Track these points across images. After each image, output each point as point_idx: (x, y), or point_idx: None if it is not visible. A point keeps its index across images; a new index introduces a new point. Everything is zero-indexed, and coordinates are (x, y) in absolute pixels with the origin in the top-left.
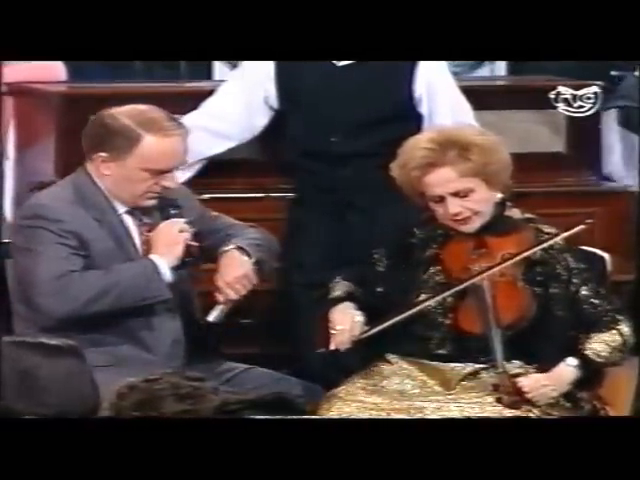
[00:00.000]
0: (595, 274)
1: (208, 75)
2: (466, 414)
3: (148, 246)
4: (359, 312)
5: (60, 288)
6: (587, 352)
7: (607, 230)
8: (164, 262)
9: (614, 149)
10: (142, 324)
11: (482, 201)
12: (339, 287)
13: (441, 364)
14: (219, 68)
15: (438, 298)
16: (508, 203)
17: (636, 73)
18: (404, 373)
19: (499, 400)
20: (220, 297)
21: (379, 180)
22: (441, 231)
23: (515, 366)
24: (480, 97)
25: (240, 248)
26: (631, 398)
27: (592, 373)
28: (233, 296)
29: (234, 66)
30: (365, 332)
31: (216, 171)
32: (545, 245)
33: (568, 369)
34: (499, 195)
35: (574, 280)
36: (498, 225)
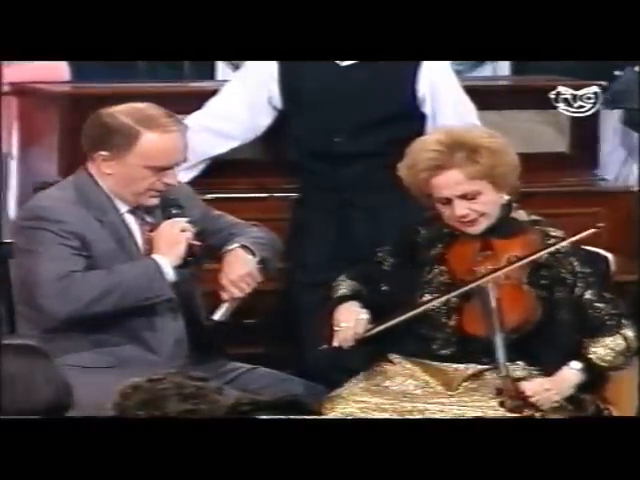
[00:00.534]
0: (599, 276)
1: (211, 75)
2: (469, 416)
3: (150, 246)
4: (364, 310)
5: (62, 289)
6: (591, 356)
7: (610, 230)
8: (166, 262)
9: (614, 148)
10: (145, 324)
11: (489, 203)
12: (344, 285)
13: (444, 365)
14: (222, 68)
15: (442, 299)
16: (514, 204)
17: (636, 68)
18: (407, 373)
19: (502, 404)
20: (225, 295)
21: (382, 180)
22: (446, 230)
23: (518, 368)
24: (483, 97)
25: (244, 246)
26: (635, 398)
27: (596, 377)
28: (238, 294)
29: (236, 67)
30: (369, 330)
31: (220, 171)
32: (552, 249)
33: (572, 373)
34: (506, 197)
35: (579, 284)
36: (504, 227)
